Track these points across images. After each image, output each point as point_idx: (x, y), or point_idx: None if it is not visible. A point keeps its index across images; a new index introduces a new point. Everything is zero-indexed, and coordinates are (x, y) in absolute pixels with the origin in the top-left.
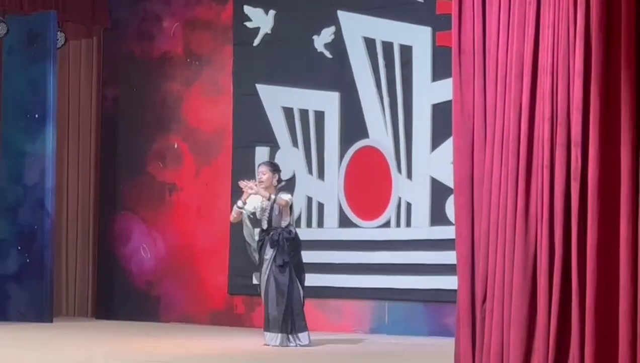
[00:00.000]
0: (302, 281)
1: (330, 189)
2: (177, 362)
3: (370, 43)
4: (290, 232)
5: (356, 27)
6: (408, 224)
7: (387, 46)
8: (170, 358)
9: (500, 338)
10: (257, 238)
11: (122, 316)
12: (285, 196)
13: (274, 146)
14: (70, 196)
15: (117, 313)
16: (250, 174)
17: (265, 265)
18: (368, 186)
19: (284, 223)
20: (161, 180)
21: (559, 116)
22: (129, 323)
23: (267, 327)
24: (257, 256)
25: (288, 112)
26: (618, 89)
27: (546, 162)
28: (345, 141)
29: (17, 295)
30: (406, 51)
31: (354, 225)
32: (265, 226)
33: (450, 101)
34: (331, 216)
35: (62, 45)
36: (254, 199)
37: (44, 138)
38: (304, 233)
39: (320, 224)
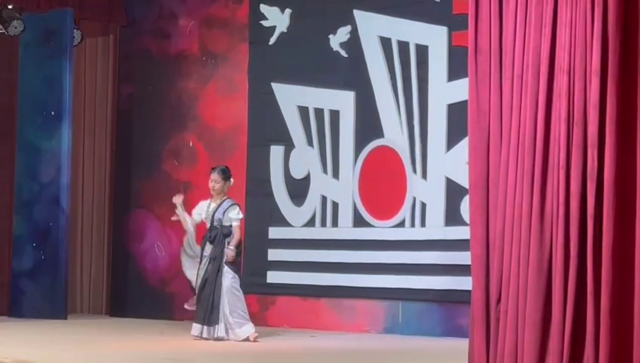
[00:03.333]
0: (237, 272)
1: (344, 189)
2: (190, 360)
3: (386, 42)
4: (229, 230)
5: (372, 26)
6: (423, 224)
7: (403, 46)
8: (183, 356)
9: (515, 338)
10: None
11: (136, 314)
12: (231, 251)
13: (289, 145)
14: (86, 193)
15: (131, 311)
16: (265, 173)
17: (203, 262)
18: (383, 185)
19: (226, 223)
20: (176, 178)
21: (575, 116)
22: (142, 321)
23: (196, 318)
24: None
25: (303, 111)
26: (635, 89)
27: (562, 162)
28: (360, 141)
29: (31, 291)
30: (422, 50)
31: (369, 225)
32: (208, 225)
33: (465, 102)
34: (345, 216)
35: (78, 42)
36: (200, 207)
37: (59, 135)
38: (319, 232)
39: (335, 223)
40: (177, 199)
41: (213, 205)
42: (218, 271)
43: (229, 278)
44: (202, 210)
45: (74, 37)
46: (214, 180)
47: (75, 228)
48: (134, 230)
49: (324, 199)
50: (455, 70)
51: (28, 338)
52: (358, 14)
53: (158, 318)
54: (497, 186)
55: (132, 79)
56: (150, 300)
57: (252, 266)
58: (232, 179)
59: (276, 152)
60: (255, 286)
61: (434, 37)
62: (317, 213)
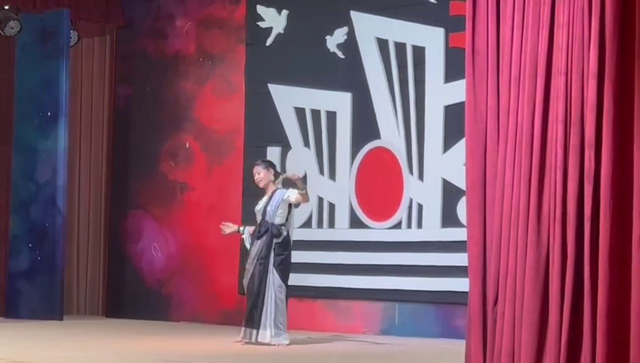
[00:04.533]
0: (287, 279)
1: (341, 190)
2: (187, 362)
3: (383, 44)
4: (280, 230)
5: (369, 27)
6: (419, 225)
7: (400, 47)
8: (180, 357)
9: (512, 340)
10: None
11: (133, 315)
12: (294, 193)
13: (286, 146)
14: (82, 194)
15: (128, 312)
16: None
17: (252, 257)
18: (379, 187)
19: (277, 220)
20: (173, 179)
21: (572, 117)
22: (139, 322)
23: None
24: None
25: (300, 112)
26: (632, 91)
27: (559, 163)
28: (357, 142)
29: (28, 292)
30: (419, 51)
31: (365, 226)
32: (259, 219)
33: (462, 103)
34: (342, 217)
35: (75, 43)
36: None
37: (56, 135)
38: (315, 234)
39: (331, 224)
40: (227, 230)
41: (265, 198)
42: (266, 274)
43: (275, 286)
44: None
45: (71, 38)
46: (256, 172)
47: (72, 228)
48: (131, 230)
49: (320, 200)
50: (452, 71)
51: (24, 339)
52: (355, 15)
53: (154, 319)
54: (495, 187)
55: (129, 79)
56: (146, 301)
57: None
58: (278, 173)
59: (273, 153)
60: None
61: (431, 39)
62: (313, 214)
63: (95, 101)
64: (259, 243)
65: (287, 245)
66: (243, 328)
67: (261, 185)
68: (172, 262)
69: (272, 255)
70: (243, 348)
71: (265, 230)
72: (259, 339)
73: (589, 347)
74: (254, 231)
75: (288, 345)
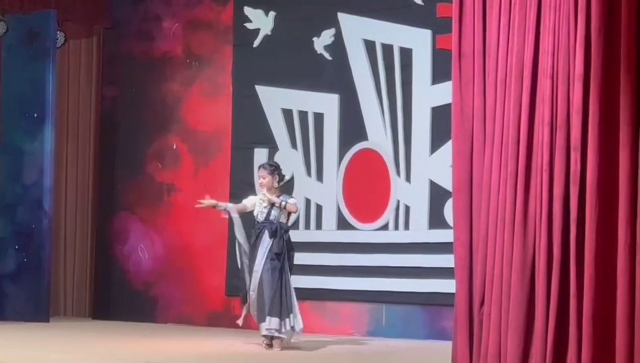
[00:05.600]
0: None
1: (328, 192)
2: None
3: (370, 45)
4: (287, 228)
5: (356, 29)
6: (406, 227)
7: (387, 49)
8: (167, 359)
9: (498, 341)
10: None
11: (120, 317)
12: (292, 201)
13: (273, 148)
14: (69, 196)
15: (114, 314)
16: (249, 176)
17: (260, 254)
18: (367, 188)
19: (283, 220)
20: (159, 180)
21: (558, 120)
22: (126, 324)
23: (262, 316)
24: (246, 260)
25: (287, 113)
26: (617, 94)
27: (545, 166)
28: (344, 143)
29: (14, 294)
30: (406, 53)
31: (353, 228)
32: (262, 219)
33: (449, 105)
34: (329, 219)
35: (61, 44)
36: (250, 199)
37: (42, 137)
38: (302, 235)
39: (319, 226)
40: (207, 202)
41: (265, 201)
42: (283, 268)
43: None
44: (251, 203)
45: (57, 39)
46: (261, 176)
47: (59, 230)
48: (117, 232)
49: (307, 201)
50: (439, 73)
51: (10, 341)
52: (342, 16)
53: (141, 321)
54: (481, 189)
55: (116, 81)
56: (133, 303)
57: (236, 269)
58: (280, 175)
59: (260, 154)
60: (239, 290)
61: (418, 40)
62: (301, 216)
63: (82, 103)
64: (270, 241)
65: (292, 245)
66: (273, 319)
67: (264, 189)
68: (159, 264)
69: (285, 251)
70: (231, 350)
71: (276, 228)
72: (292, 324)
73: (575, 349)
74: (261, 230)
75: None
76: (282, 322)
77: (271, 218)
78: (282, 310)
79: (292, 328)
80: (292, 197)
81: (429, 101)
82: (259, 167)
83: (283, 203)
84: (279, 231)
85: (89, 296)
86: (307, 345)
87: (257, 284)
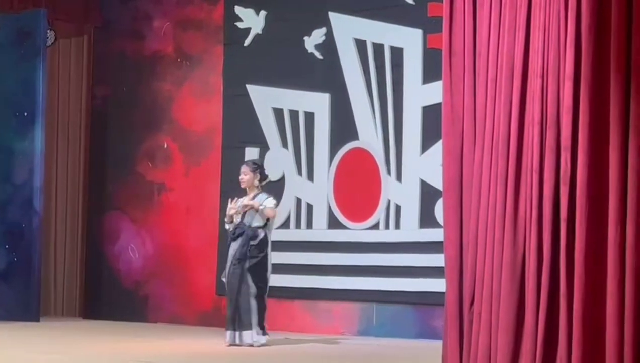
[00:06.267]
0: (263, 281)
1: (319, 191)
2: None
3: (361, 45)
4: (255, 232)
5: (347, 28)
6: (397, 226)
7: (378, 48)
8: (157, 359)
9: (488, 341)
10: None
11: (110, 316)
12: (270, 205)
13: (264, 147)
14: (59, 195)
15: (105, 313)
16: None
17: (229, 260)
18: (357, 187)
19: (255, 223)
20: (150, 180)
21: (548, 119)
22: (116, 323)
23: (227, 325)
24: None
25: (278, 113)
26: (608, 93)
27: (535, 165)
28: (335, 143)
29: (4, 293)
30: (397, 53)
31: (343, 227)
32: (238, 220)
33: (440, 104)
34: (320, 218)
35: (52, 43)
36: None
37: (33, 136)
38: (293, 234)
39: (309, 225)
40: (231, 211)
41: (245, 199)
42: (243, 276)
43: (251, 288)
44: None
45: (48, 38)
46: (242, 172)
47: (49, 229)
48: (108, 231)
49: (298, 201)
50: (430, 72)
51: (0, 341)
52: (333, 16)
53: (132, 321)
54: (471, 188)
55: (106, 80)
56: (124, 302)
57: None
58: (262, 173)
59: (251, 154)
60: None
61: (408, 40)
62: (291, 215)
63: (73, 102)
64: (234, 246)
65: (263, 247)
66: (227, 332)
67: (243, 185)
68: (150, 263)
69: (247, 257)
70: (221, 349)
71: (240, 233)
72: (244, 340)
73: (565, 348)
74: (231, 233)
75: (264, 345)
76: (235, 335)
77: (244, 220)
78: (236, 324)
79: (248, 345)
80: (271, 198)
81: (420, 100)
82: (242, 164)
83: (261, 207)
84: (243, 237)
85: (79, 296)
86: (298, 344)
87: (227, 287)
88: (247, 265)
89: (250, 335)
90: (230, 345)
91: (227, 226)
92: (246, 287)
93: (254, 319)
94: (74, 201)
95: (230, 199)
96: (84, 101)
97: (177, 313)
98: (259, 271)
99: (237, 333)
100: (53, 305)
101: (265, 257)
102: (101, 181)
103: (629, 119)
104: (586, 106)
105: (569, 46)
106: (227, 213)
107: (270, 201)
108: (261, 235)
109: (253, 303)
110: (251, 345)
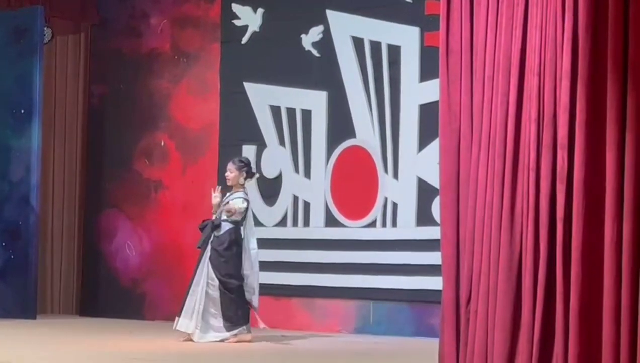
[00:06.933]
0: (221, 275)
1: (316, 189)
2: (160, 360)
3: (358, 42)
4: (220, 224)
5: (344, 26)
6: (394, 224)
7: (375, 46)
8: (154, 356)
9: (485, 338)
10: None
11: (107, 314)
12: (235, 201)
13: (261, 145)
14: (56, 193)
15: (102, 311)
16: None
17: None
18: (354, 185)
19: (224, 216)
20: (147, 177)
21: (545, 117)
22: (113, 321)
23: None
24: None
25: (275, 110)
26: (605, 91)
27: (532, 163)
28: (332, 141)
29: (1, 291)
30: (394, 50)
31: (340, 225)
32: (214, 215)
33: (437, 102)
34: (317, 216)
35: (49, 41)
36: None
37: (29, 133)
38: (290, 232)
39: (306, 223)
40: (216, 200)
41: (225, 197)
42: (200, 264)
43: (208, 278)
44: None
45: (45, 36)
46: (228, 170)
47: (46, 227)
48: (105, 229)
49: (295, 199)
50: (427, 70)
51: None
52: (330, 14)
53: (129, 318)
54: (468, 186)
55: (103, 78)
56: (121, 300)
57: None
58: (247, 171)
59: (248, 151)
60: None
61: (406, 38)
62: (288, 213)
63: (70, 99)
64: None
65: (229, 242)
66: (187, 321)
67: (229, 183)
68: (147, 261)
69: (209, 247)
70: (218, 347)
71: (205, 225)
72: (178, 327)
73: (561, 346)
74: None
75: (222, 342)
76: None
77: (217, 215)
78: (192, 314)
79: (177, 330)
80: (239, 199)
81: (417, 98)
82: (230, 161)
83: (225, 202)
84: (207, 229)
85: (76, 293)
86: (295, 341)
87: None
88: (207, 256)
89: (191, 326)
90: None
91: (214, 217)
92: (203, 276)
93: (211, 313)
94: (71, 199)
95: (213, 189)
96: (81, 98)
97: (174, 311)
98: (220, 265)
99: (177, 318)
100: (50, 303)
101: (232, 254)
102: (98, 178)
103: (626, 117)
104: (583, 104)
105: (566, 43)
106: (212, 202)
107: (237, 199)
108: (227, 227)
109: (210, 295)
110: (189, 337)
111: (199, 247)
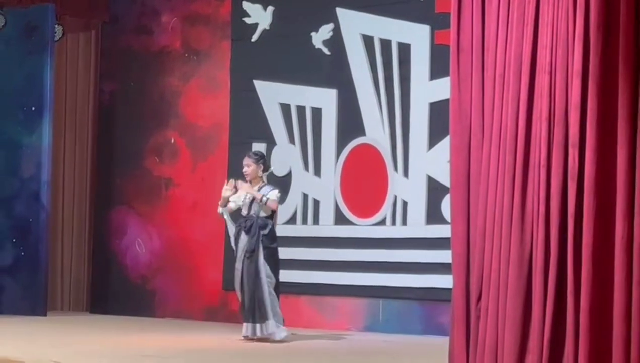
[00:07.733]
0: (276, 271)
1: (326, 187)
2: (171, 357)
3: (368, 40)
4: (265, 222)
5: (355, 24)
6: (404, 222)
7: (386, 44)
8: (164, 353)
9: (495, 337)
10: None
11: (117, 311)
12: (273, 198)
13: (271, 143)
14: (66, 190)
15: (112, 308)
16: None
17: (239, 254)
18: (364, 183)
19: (262, 214)
20: (157, 175)
21: (556, 116)
22: (123, 318)
23: (243, 317)
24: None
25: (285, 108)
26: (616, 89)
27: (543, 161)
28: (342, 139)
29: (11, 288)
30: (404, 49)
31: (350, 223)
32: (245, 212)
33: (447, 100)
34: (327, 214)
35: (59, 38)
36: (239, 193)
37: (40, 130)
38: (300, 230)
39: (316, 221)
40: (227, 193)
41: (249, 195)
42: (257, 267)
43: (267, 278)
44: (238, 198)
45: (56, 33)
46: (245, 164)
47: (56, 224)
48: (115, 226)
49: (305, 196)
50: (438, 69)
51: (7, 335)
52: (340, 12)
53: (139, 315)
54: (478, 184)
55: (114, 75)
56: (131, 297)
57: (233, 263)
58: (264, 164)
59: (258, 149)
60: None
61: (416, 36)
62: (298, 211)
63: (80, 97)
64: (246, 238)
65: (273, 238)
66: (245, 324)
67: (247, 178)
68: (157, 258)
69: (260, 247)
70: (228, 344)
71: (250, 224)
72: (266, 331)
73: (572, 345)
74: (239, 225)
75: (284, 340)
76: (255, 327)
77: (252, 212)
78: (254, 316)
79: (271, 335)
80: (275, 190)
81: (427, 96)
82: (245, 156)
83: (264, 199)
84: (253, 228)
85: (86, 290)
86: (304, 339)
87: (239, 282)
88: (261, 255)
89: (273, 324)
90: (245, 337)
91: (220, 210)
92: (261, 279)
93: (273, 309)
94: (81, 196)
95: (226, 181)
96: (91, 96)
97: (183, 308)
98: (274, 262)
99: (258, 325)
100: (60, 300)
101: (277, 249)
102: (108, 176)
103: (637, 115)
104: (594, 103)
105: (577, 42)
106: (222, 194)
107: (273, 194)
108: (270, 224)
109: (272, 294)
110: (272, 335)
111: (248, 250)
